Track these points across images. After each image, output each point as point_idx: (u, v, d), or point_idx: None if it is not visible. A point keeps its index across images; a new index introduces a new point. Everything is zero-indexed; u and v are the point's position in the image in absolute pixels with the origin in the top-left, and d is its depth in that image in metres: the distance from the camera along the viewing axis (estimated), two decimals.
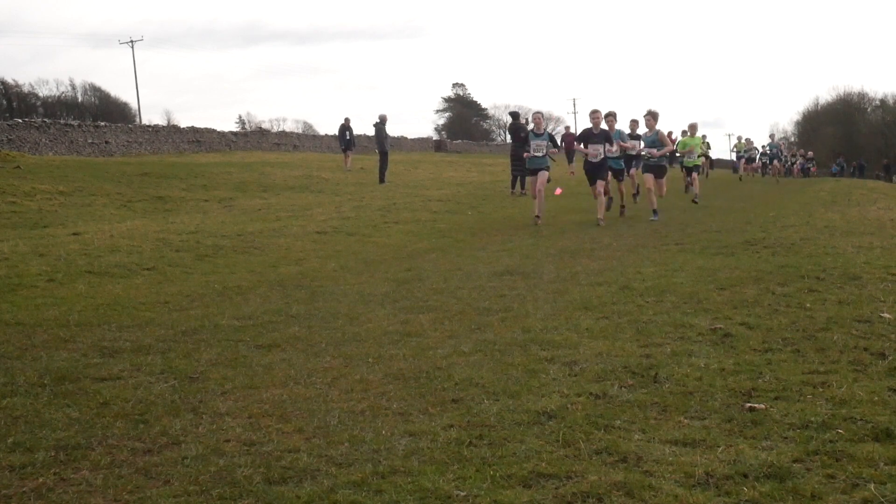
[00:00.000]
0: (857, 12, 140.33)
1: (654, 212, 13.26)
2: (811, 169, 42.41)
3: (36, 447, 3.23)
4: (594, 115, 13.23)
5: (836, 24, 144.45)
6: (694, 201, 17.00)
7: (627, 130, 17.93)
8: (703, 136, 24.65)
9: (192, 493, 2.79)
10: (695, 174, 18.11)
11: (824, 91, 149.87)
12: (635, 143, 15.12)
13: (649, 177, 13.70)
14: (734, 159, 32.80)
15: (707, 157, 26.96)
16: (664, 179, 14.02)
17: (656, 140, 13.76)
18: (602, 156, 12.84)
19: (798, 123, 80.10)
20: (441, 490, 2.74)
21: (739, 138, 32.66)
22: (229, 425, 3.48)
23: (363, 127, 61.41)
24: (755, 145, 32.62)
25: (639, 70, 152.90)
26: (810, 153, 45.18)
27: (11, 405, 3.80)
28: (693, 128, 18.41)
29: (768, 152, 30.92)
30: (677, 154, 19.38)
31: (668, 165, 14.43)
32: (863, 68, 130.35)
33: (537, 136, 13.51)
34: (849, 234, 9.96)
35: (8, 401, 3.87)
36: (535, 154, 13.49)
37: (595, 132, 13.13)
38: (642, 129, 17.70)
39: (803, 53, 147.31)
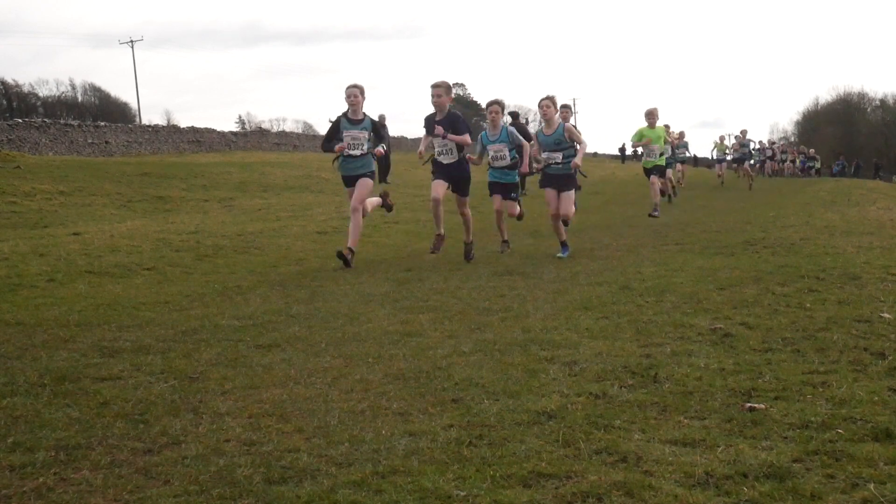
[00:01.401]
0: (857, 12, 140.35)
1: (563, 245, 9.16)
2: (811, 169, 41.70)
3: (36, 447, 3.23)
4: (434, 91, 8.70)
5: (836, 24, 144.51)
6: (651, 214, 13.36)
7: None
8: (668, 127, 18.32)
9: (192, 493, 2.79)
10: (655, 177, 13.66)
11: (824, 91, 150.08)
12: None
13: (550, 193, 9.23)
14: (721, 160, 27.86)
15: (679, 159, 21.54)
16: (573, 193, 9.27)
17: (562, 139, 9.06)
18: (455, 156, 8.80)
19: (798, 123, 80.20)
20: (441, 490, 2.74)
21: (722, 138, 27.61)
22: (229, 425, 3.48)
23: None
24: (749, 140, 29.01)
25: (639, 70, 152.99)
26: (811, 150, 44.42)
27: (11, 405, 3.80)
28: (651, 115, 13.47)
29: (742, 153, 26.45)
30: (635, 150, 15.45)
31: (577, 176, 9.47)
32: (863, 68, 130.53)
33: (353, 123, 8.83)
34: (849, 234, 9.97)
35: (8, 401, 3.87)
36: (351, 153, 8.83)
37: (438, 119, 8.76)
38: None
39: (803, 53, 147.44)
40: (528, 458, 3.01)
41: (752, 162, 29.38)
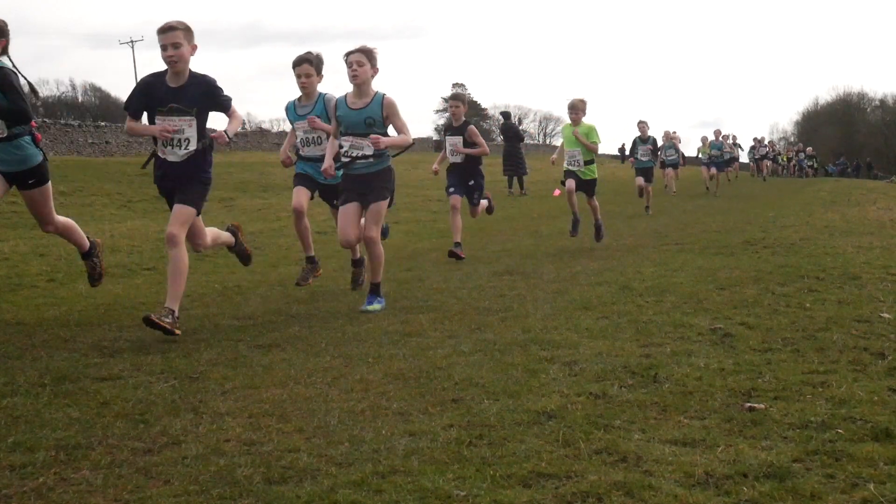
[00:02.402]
0: (857, 12, 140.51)
1: (374, 290, 6.12)
2: (810, 168, 41.60)
3: (36, 447, 3.23)
4: (166, 39, 5.24)
5: (836, 24, 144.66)
6: (572, 232, 10.12)
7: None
8: (644, 124, 16.15)
9: (192, 493, 2.79)
10: (571, 183, 9.76)
11: (824, 91, 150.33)
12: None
13: (350, 209, 6.10)
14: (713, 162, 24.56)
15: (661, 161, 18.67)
16: (384, 205, 6.08)
17: (377, 118, 6.00)
18: (193, 147, 5.45)
19: (798, 123, 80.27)
20: (441, 490, 2.74)
21: (704, 139, 24.18)
22: (229, 425, 3.48)
23: None
24: (738, 141, 28.47)
25: (639, 70, 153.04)
26: (809, 149, 44.17)
27: (12, 405, 3.80)
28: (575, 108, 9.76)
29: (710, 154, 23.86)
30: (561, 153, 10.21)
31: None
32: (863, 68, 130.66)
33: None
34: (849, 234, 9.98)
35: (8, 401, 3.87)
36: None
37: (174, 86, 5.38)
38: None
39: (803, 53, 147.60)
40: (528, 458, 3.01)
41: (730, 166, 28.60)
